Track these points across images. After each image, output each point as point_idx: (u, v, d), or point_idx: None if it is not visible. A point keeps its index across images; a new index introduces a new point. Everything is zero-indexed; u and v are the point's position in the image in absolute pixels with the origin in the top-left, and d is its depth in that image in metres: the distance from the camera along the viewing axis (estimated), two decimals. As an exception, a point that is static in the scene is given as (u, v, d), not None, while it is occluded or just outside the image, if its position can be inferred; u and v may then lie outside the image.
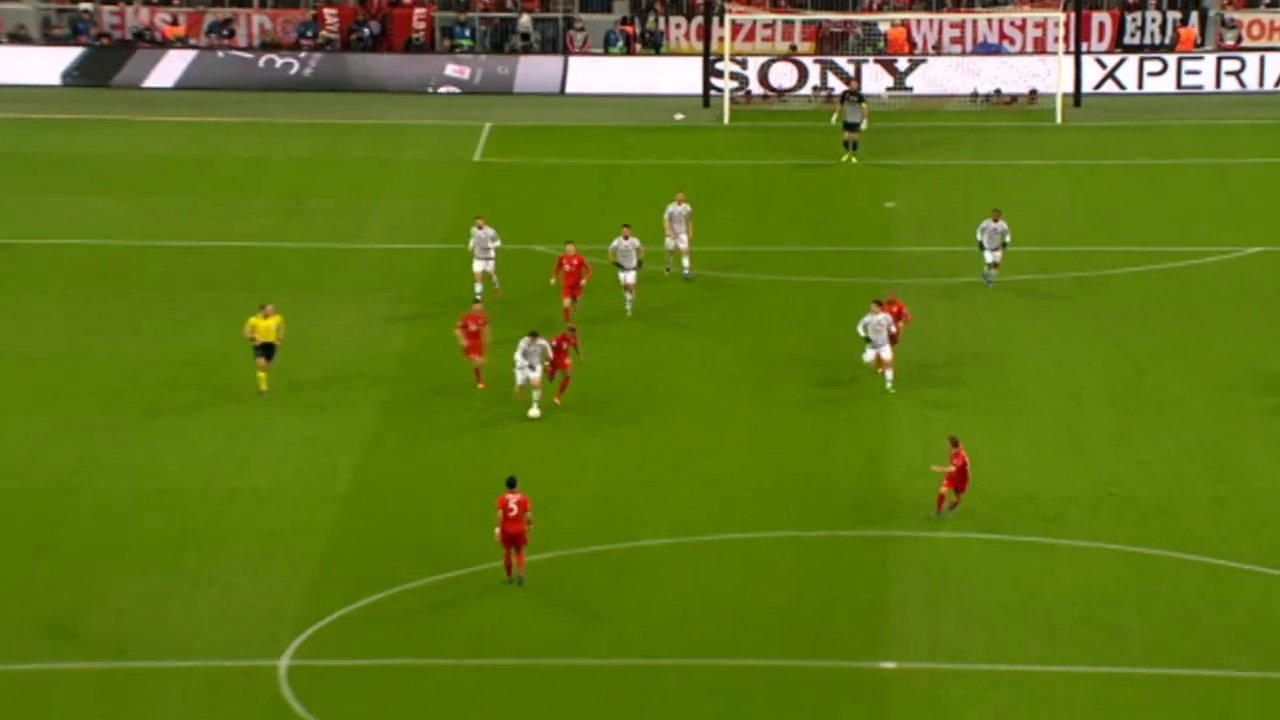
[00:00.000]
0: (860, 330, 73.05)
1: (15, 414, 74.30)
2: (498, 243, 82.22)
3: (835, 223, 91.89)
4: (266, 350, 73.34)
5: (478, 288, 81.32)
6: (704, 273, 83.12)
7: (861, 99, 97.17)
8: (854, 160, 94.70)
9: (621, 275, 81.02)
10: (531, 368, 71.66)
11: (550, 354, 71.71)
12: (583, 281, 79.85)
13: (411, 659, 58.67)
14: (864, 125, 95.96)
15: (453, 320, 77.22)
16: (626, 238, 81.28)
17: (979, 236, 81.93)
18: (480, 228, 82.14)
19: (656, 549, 65.19)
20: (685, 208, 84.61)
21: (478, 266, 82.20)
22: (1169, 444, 71.68)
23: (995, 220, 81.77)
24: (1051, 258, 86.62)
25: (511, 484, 60.95)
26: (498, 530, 60.80)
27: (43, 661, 59.96)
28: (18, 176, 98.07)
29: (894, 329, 74.21)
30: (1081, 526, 66.17)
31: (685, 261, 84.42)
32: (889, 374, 73.55)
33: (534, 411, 71.61)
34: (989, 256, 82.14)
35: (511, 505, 60.37)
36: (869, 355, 73.78)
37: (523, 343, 71.49)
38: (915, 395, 74.79)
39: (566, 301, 79.60)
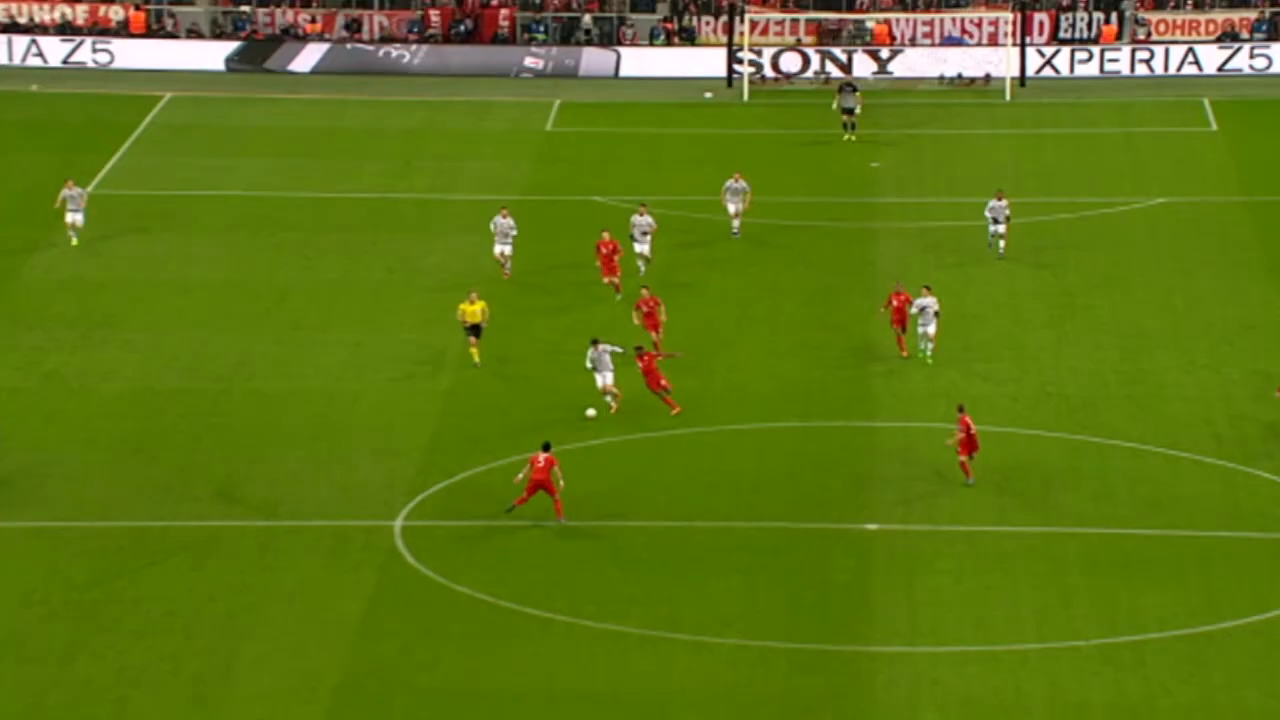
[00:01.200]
0: (914, 309, 68.98)
1: (185, 327, 74.42)
2: (515, 232, 76.84)
3: (831, 178, 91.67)
4: (475, 330, 69.01)
5: (505, 268, 77.11)
6: (720, 218, 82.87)
7: (855, 88, 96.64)
8: (853, 138, 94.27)
9: (637, 246, 76.80)
10: (603, 373, 64.97)
11: (610, 360, 64.85)
12: (616, 258, 74.84)
13: (499, 521, 58.84)
14: (858, 109, 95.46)
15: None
16: (642, 214, 77.27)
17: (986, 213, 79.34)
18: (504, 216, 77.02)
19: (687, 437, 65.30)
20: (742, 184, 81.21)
21: (497, 249, 77.02)
22: (1094, 355, 71.61)
23: (999, 199, 78.89)
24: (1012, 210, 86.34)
25: (546, 447, 58.77)
26: (520, 476, 58.61)
27: (211, 520, 60.27)
28: (190, 142, 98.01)
29: (937, 310, 69.43)
30: (1024, 419, 66.18)
31: (735, 224, 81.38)
32: (930, 347, 69.42)
33: (590, 412, 64.79)
34: (994, 229, 78.69)
35: (540, 461, 58.05)
36: (921, 330, 69.05)
37: (589, 352, 65.07)
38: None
39: (606, 279, 74.94)
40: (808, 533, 59.18)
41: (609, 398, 64.77)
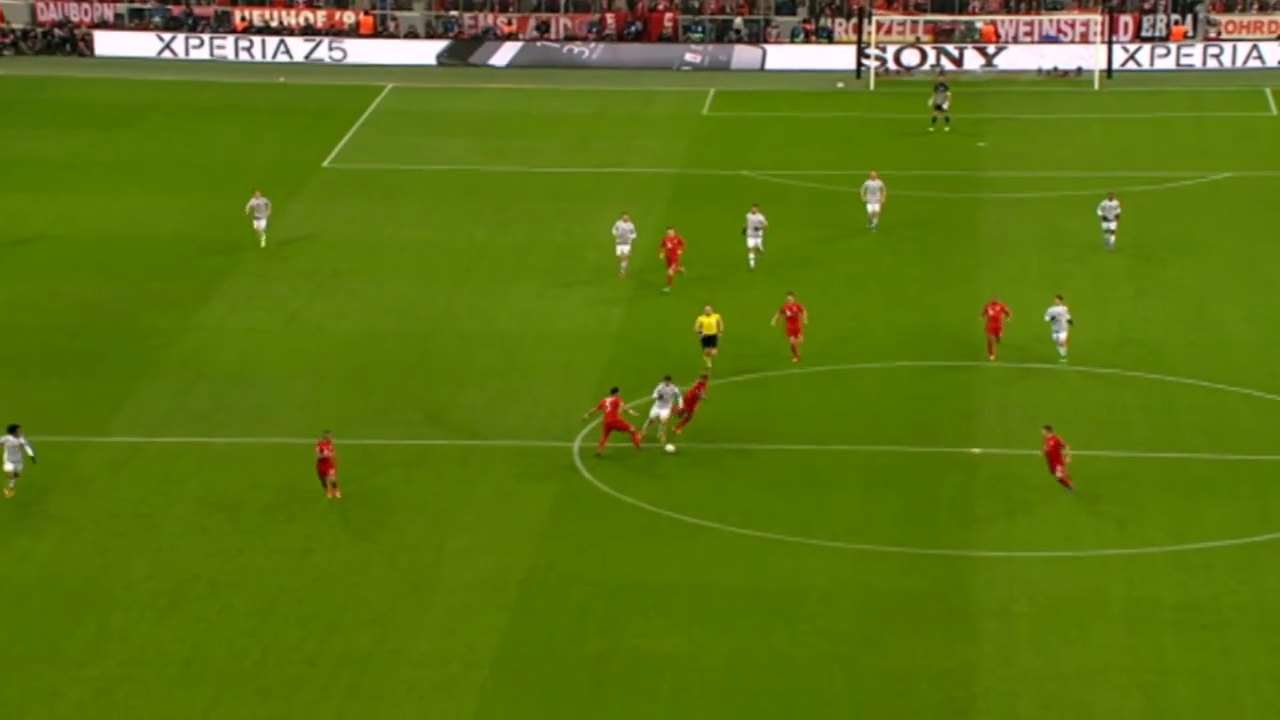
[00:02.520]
0: (1047, 318, 64.28)
1: (400, 279, 74.90)
2: (635, 235, 72.85)
3: (944, 156, 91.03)
4: (710, 341, 63.42)
5: (623, 267, 72.89)
6: (852, 190, 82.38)
7: (947, 86, 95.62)
8: (946, 129, 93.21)
9: (750, 240, 73.22)
10: (662, 407, 58.27)
11: (681, 401, 58.50)
12: (679, 252, 70.97)
13: (652, 443, 58.93)
14: (948, 105, 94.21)
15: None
16: (755, 213, 73.07)
17: (1099, 212, 75.08)
18: (625, 221, 72.98)
19: (818, 374, 65.17)
20: (878, 183, 77.03)
21: (619, 249, 72.87)
22: (1166, 307, 70.92)
23: (1110, 199, 75.04)
24: (1091, 181, 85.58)
25: (614, 391, 57.71)
26: (586, 414, 58.71)
27: (421, 439, 60.69)
28: (406, 124, 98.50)
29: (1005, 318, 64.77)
30: (1106, 360, 65.63)
31: (874, 222, 77.73)
32: (1062, 350, 64.38)
33: (670, 447, 58.22)
34: (1106, 225, 74.57)
35: (606, 405, 57.17)
36: (1057, 335, 64.12)
37: (659, 386, 58.58)
38: (997, 271, 74.19)
39: (670, 271, 70.99)
40: (921, 455, 59.00)
41: (660, 430, 58.28)
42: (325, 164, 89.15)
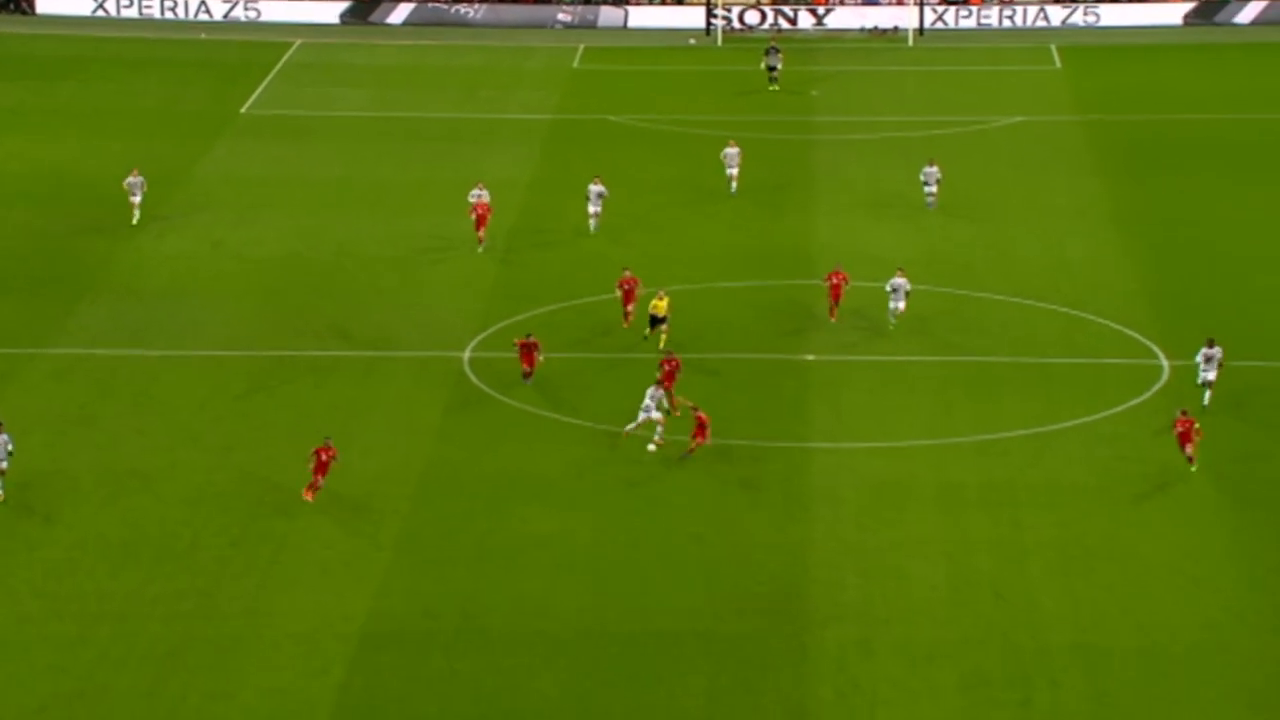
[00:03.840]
0: (888, 288, 60.18)
1: (312, 211, 74.00)
2: (606, 194, 68.78)
3: (783, 102, 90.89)
4: (660, 321, 58.59)
5: (593, 224, 68.82)
6: (705, 133, 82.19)
7: (779, 49, 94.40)
8: (776, 89, 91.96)
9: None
10: (653, 410, 52.58)
11: (667, 401, 53.43)
12: (487, 218, 66.77)
13: (549, 353, 58.77)
14: (780, 66, 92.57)
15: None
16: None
17: (921, 176, 71.69)
18: (596, 184, 68.81)
19: (671, 291, 64.99)
20: (735, 150, 72.78)
21: (591, 209, 68.69)
22: (970, 230, 71.02)
23: (931, 165, 71.68)
24: (908, 125, 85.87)
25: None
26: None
27: (330, 350, 60.27)
28: (314, 76, 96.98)
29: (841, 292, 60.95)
30: (919, 278, 65.78)
31: (733, 186, 73.29)
32: (894, 320, 60.33)
33: (651, 447, 52.41)
34: (928, 189, 71.19)
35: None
36: (892, 306, 60.13)
37: (650, 389, 52.91)
38: (829, 202, 74.29)
39: (479, 234, 66.54)
40: (763, 362, 59.17)
41: (657, 431, 52.45)
42: (243, 111, 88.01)
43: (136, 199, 69.67)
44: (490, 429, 54.45)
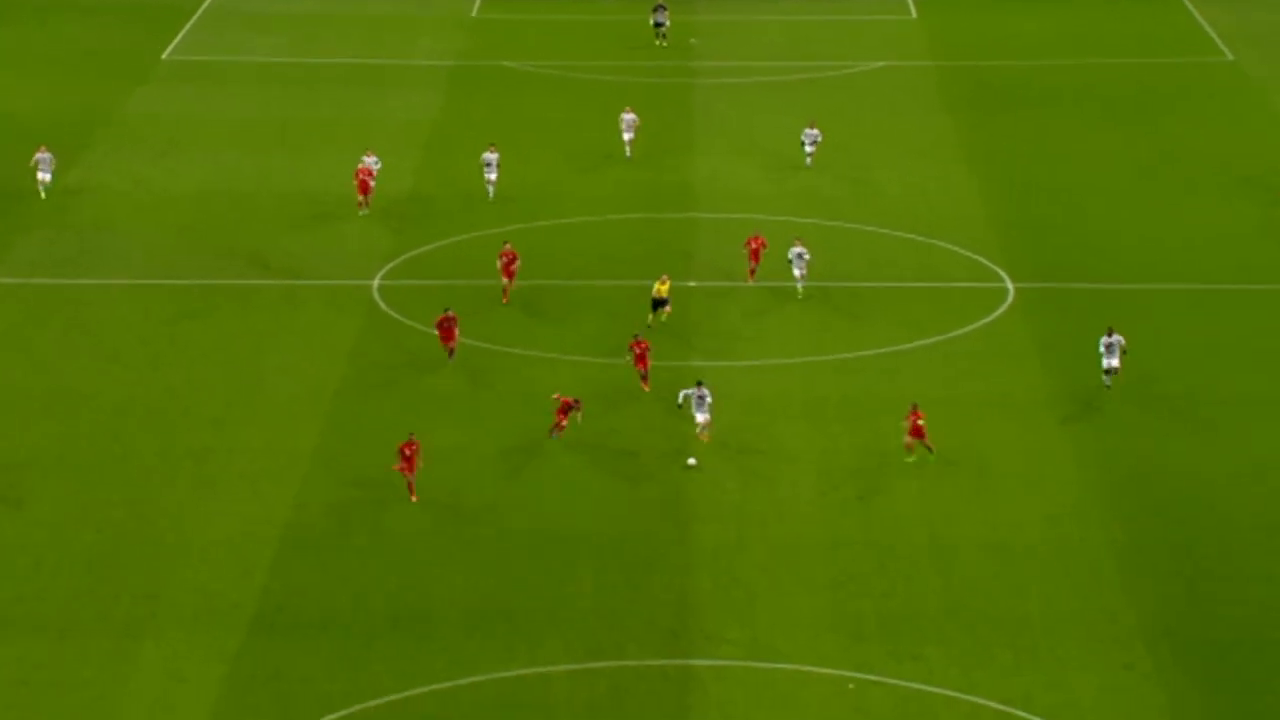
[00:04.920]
0: (789, 256, 57.25)
1: (227, 149, 73.14)
2: (496, 159, 65.30)
3: (664, 51, 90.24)
4: (663, 303, 54.66)
5: (490, 192, 65.30)
6: (598, 79, 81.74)
7: (665, 7, 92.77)
8: (664, 45, 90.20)
9: (488, 174, 65.14)
10: (699, 410, 47.99)
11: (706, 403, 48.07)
12: (370, 184, 63.73)
13: (439, 280, 58.54)
14: (668, 24, 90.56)
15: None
16: (492, 151, 65.36)
17: (802, 138, 68.96)
18: (491, 152, 65.33)
19: (563, 225, 64.67)
20: (632, 116, 69.69)
21: (487, 176, 65.18)
22: (835, 167, 71.07)
23: (811, 128, 69.11)
24: (778, 70, 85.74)
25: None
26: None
27: (249, 279, 59.71)
28: (229, 23, 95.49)
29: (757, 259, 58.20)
30: (789, 210, 65.98)
31: (629, 151, 69.86)
32: (801, 285, 57.47)
33: (692, 461, 47.33)
34: (808, 148, 68.58)
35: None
36: (796, 273, 57.18)
37: (691, 391, 48.25)
38: (707, 144, 74.17)
39: (361, 198, 63.47)
40: (647, 289, 59.01)
41: (703, 431, 48.07)
42: (164, 56, 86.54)
43: (45, 176, 64.51)
44: (399, 350, 54.24)
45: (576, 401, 48.24)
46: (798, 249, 57.15)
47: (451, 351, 52.32)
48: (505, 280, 56.02)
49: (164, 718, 37.16)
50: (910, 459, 46.80)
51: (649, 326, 53.91)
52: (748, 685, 38.32)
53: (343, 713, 37.30)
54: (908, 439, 46.93)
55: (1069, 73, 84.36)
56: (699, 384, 48.14)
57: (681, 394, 48.27)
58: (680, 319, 56.49)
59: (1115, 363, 50.53)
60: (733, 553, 43.34)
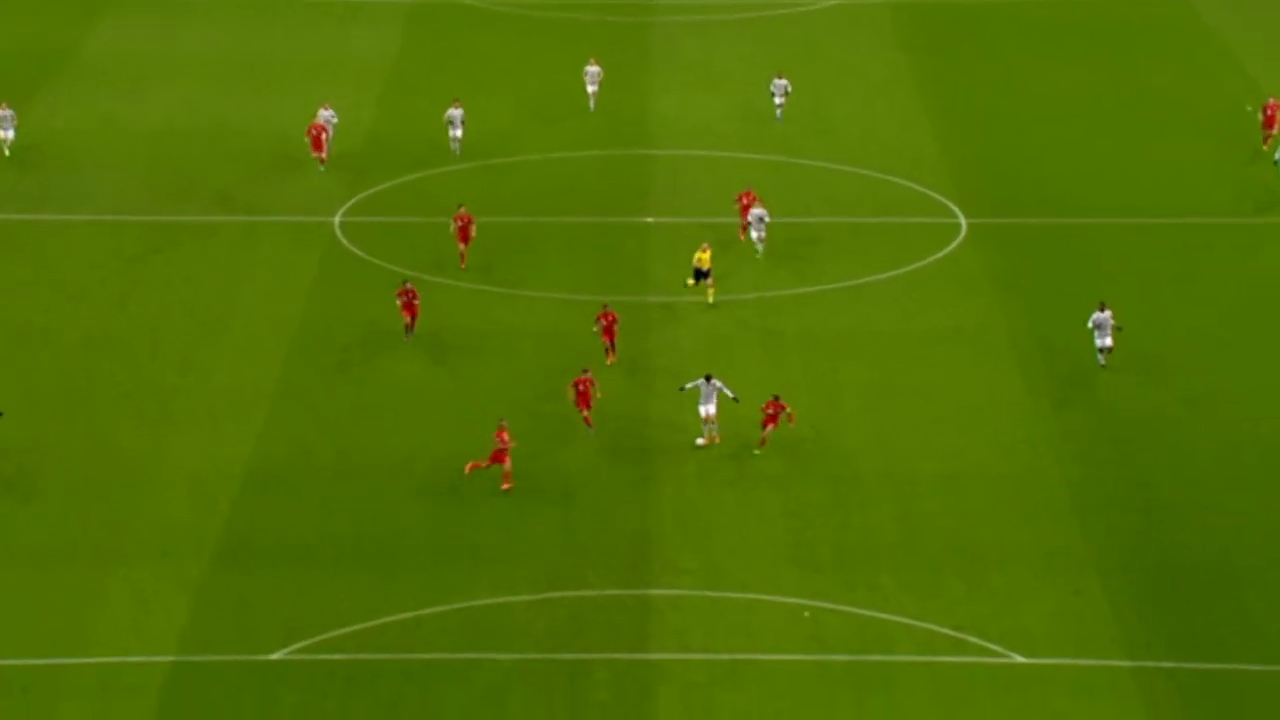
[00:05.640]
0: (749, 218, 55.64)
1: (191, 84, 72.53)
2: (461, 115, 62.93)
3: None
4: (705, 274, 52.20)
5: (455, 149, 63.31)
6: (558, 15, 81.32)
7: None
8: None
9: (452, 130, 63.04)
10: (707, 403, 44.95)
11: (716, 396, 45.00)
12: (323, 138, 61.63)
13: (402, 218, 58.29)
14: None
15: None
16: (456, 107, 63.19)
17: (770, 89, 66.97)
18: (456, 108, 63.12)
19: (524, 163, 64.51)
20: (597, 69, 67.73)
21: (452, 133, 63.14)
22: (794, 102, 71.01)
23: (780, 78, 66.52)
24: (735, 7, 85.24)
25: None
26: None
27: (213, 215, 59.38)
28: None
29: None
30: (749, 146, 65.85)
31: (592, 104, 68.24)
32: (760, 247, 55.49)
33: (700, 440, 45.20)
34: (778, 100, 66.38)
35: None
36: (754, 235, 55.47)
37: (699, 383, 45.08)
38: (667, 79, 73.95)
39: (318, 155, 61.79)
40: (606, 225, 59.04)
41: (710, 427, 45.18)
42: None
43: (8, 134, 62.78)
44: (360, 286, 54.11)
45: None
46: (758, 210, 55.35)
47: (409, 327, 49.45)
48: (461, 245, 53.87)
49: (133, 645, 37.25)
50: (758, 450, 43.94)
51: (685, 285, 52.05)
52: (704, 613, 38.60)
53: (308, 641, 37.45)
54: (765, 430, 43.81)
55: (1024, 9, 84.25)
56: (708, 378, 44.66)
57: (689, 384, 45.32)
58: (639, 254, 56.48)
59: (1109, 341, 48.14)
60: (691, 485, 43.51)
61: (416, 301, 49.66)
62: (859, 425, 46.49)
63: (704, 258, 52.35)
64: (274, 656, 36.94)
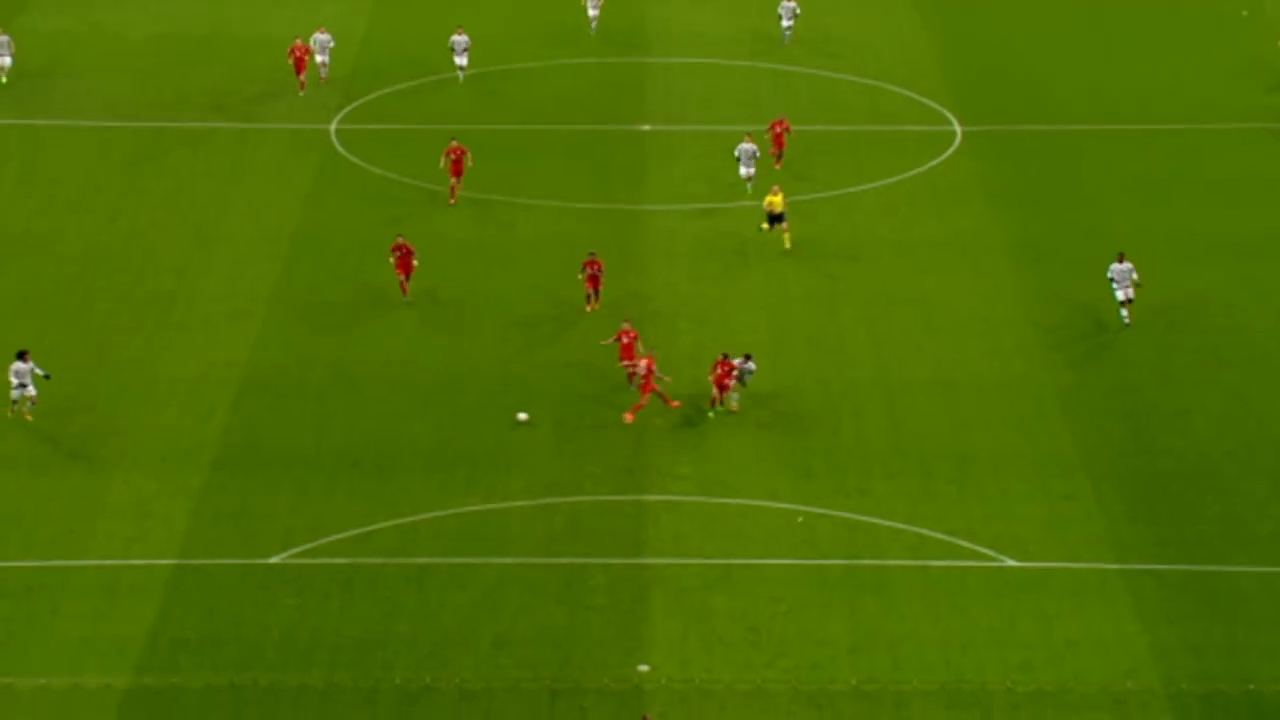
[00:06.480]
0: (736, 153, 53.72)
1: (185, -7, 72.03)
2: (469, 44, 61.69)
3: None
4: (779, 218, 50.10)
5: (460, 76, 61.83)
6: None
7: None
8: None
9: (456, 58, 61.77)
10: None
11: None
12: (305, 58, 60.33)
13: (400, 125, 58.06)
14: None
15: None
16: (460, 34, 61.66)
17: (779, 11, 64.40)
18: (460, 34, 61.87)
19: (518, 70, 64.28)
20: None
21: (457, 60, 61.67)
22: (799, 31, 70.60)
23: (789, 1, 63.70)
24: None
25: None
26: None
27: (206, 122, 59.09)
28: None
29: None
30: (743, 54, 65.58)
31: (594, 25, 66.26)
32: (750, 186, 53.69)
33: (522, 416, 42.30)
34: (785, 24, 63.66)
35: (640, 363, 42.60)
36: (743, 172, 53.50)
37: (738, 361, 42.81)
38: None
39: (301, 77, 60.19)
40: (601, 133, 58.99)
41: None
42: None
43: (5, 60, 61.30)
44: (356, 194, 54.07)
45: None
46: (748, 145, 53.30)
47: (405, 286, 46.90)
48: (452, 179, 52.12)
49: (134, 549, 37.60)
50: (711, 413, 42.10)
51: (760, 230, 50.16)
52: (699, 518, 38.94)
53: (307, 546, 37.79)
54: (715, 391, 42.02)
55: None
56: (747, 357, 42.96)
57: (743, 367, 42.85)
58: (636, 163, 56.40)
59: (1131, 294, 46.03)
60: (685, 394, 43.69)
61: (413, 259, 46.74)
62: (853, 333, 46.65)
63: (775, 201, 49.84)
64: (273, 560, 37.28)
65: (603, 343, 43.95)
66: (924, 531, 38.46)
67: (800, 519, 38.83)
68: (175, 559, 37.22)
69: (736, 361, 42.73)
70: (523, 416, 42.00)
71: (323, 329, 46.51)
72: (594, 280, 47.02)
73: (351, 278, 48.88)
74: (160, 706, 33.18)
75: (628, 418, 42.00)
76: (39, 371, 42.03)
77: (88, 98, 61.12)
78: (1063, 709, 33.44)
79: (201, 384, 43.86)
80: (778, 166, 55.33)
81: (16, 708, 33.16)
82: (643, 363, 42.44)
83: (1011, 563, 37.53)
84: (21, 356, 42.00)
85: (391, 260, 47.26)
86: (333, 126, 58.93)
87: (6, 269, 49.23)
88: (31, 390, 41.78)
